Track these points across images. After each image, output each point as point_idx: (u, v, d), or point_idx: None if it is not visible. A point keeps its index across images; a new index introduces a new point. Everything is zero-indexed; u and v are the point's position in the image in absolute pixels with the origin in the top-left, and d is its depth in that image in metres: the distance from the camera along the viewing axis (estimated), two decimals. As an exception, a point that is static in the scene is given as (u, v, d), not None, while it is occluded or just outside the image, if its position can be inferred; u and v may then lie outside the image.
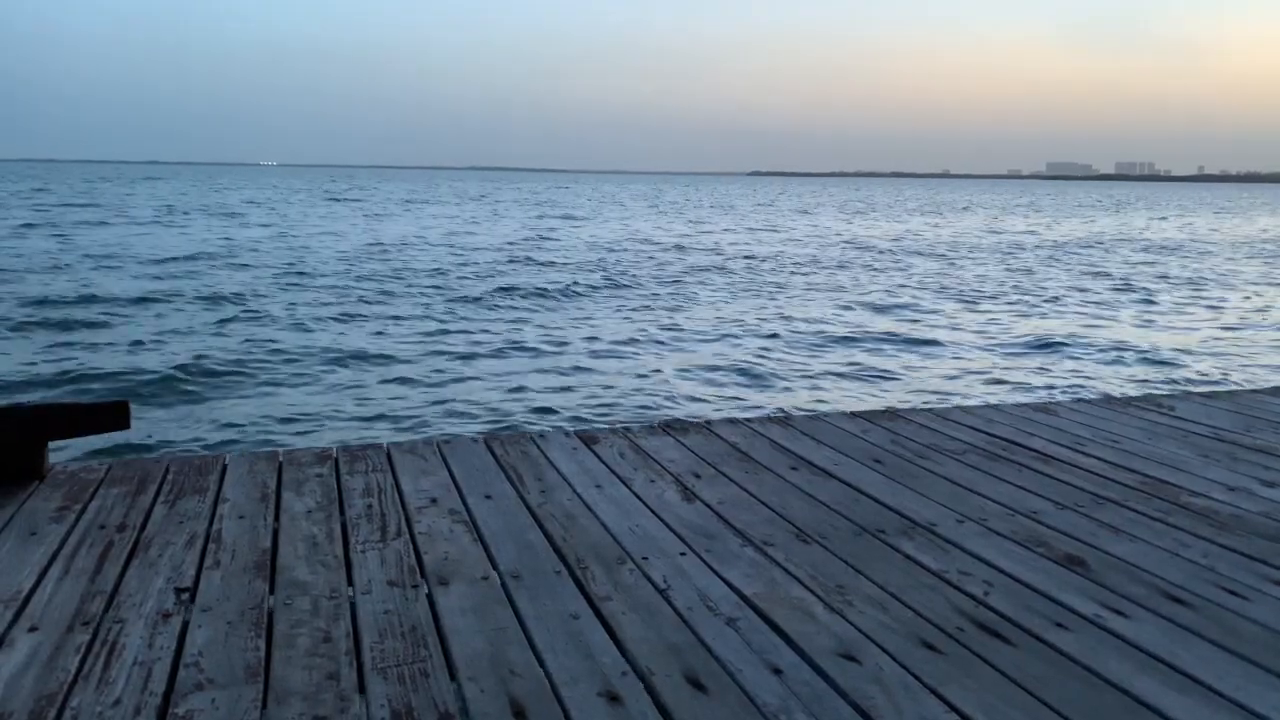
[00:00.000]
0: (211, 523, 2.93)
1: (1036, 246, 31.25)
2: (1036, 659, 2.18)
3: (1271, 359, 12.14)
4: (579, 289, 17.29)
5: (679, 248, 27.50)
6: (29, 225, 29.92)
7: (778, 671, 2.10)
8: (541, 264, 21.86)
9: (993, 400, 9.07)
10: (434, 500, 3.18)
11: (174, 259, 21.14)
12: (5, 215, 34.29)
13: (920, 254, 27.41)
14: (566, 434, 4.09)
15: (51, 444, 3.37)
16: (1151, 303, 17.34)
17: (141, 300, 14.62)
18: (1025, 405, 4.85)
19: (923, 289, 18.58)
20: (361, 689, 2.00)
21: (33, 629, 2.22)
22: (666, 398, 9.24)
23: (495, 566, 2.65)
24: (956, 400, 9.11)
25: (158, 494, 3.18)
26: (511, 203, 60.24)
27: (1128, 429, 4.31)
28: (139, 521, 2.93)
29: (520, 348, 11.56)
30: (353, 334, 12.26)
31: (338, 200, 58.60)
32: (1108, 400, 5.14)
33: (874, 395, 9.60)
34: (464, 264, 21.50)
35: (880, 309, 15.68)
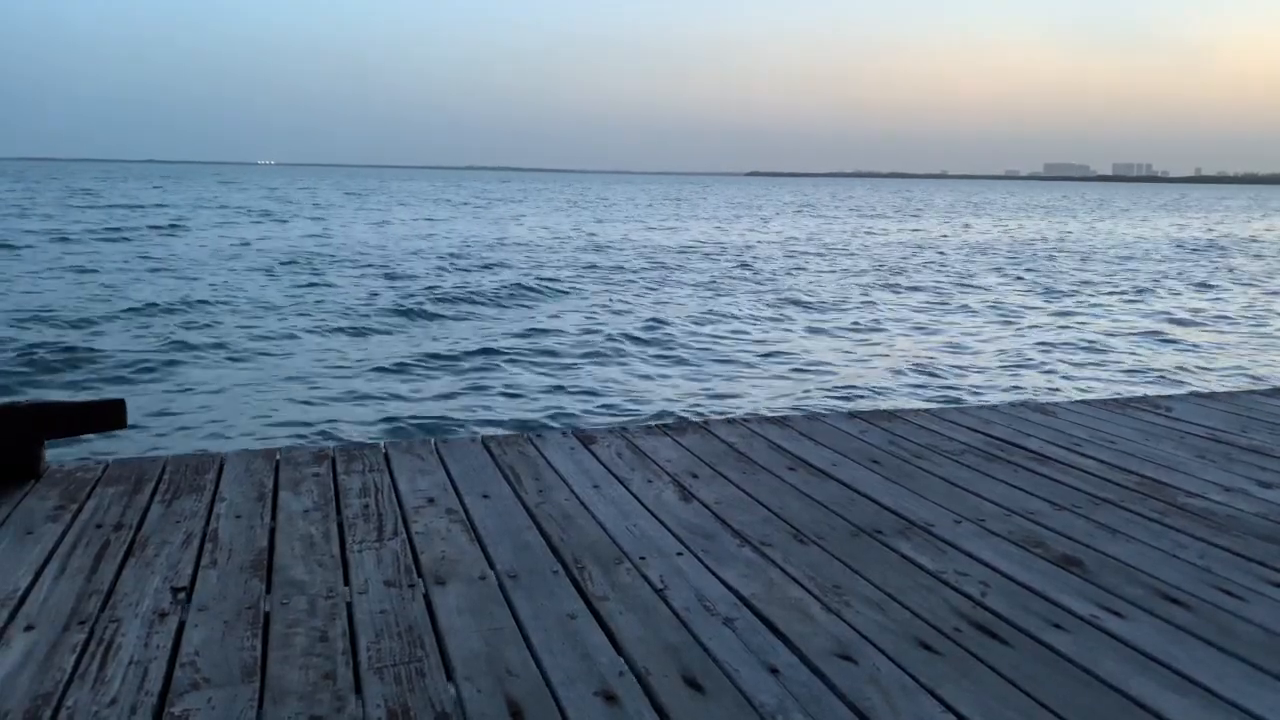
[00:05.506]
0: (208, 522, 2.93)
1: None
2: (1033, 659, 2.18)
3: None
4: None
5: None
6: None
7: (775, 671, 2.10)
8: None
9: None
10: (431, 500, 3.18)
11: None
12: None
13: None
14: (564, 434, 4.09)
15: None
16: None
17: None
18: (1022, 405, 4.86)
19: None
20: (358, 689, 1.99)
21: (29, 628, 2.22)
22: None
23: (492, 566, 2.64)
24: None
25: (154, 493, 3.18)
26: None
27: (1124, 430, 4.31)
28: (135, 521, 2.93)
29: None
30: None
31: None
32: (1105, 401, 5.14)
33: None
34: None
35: None
